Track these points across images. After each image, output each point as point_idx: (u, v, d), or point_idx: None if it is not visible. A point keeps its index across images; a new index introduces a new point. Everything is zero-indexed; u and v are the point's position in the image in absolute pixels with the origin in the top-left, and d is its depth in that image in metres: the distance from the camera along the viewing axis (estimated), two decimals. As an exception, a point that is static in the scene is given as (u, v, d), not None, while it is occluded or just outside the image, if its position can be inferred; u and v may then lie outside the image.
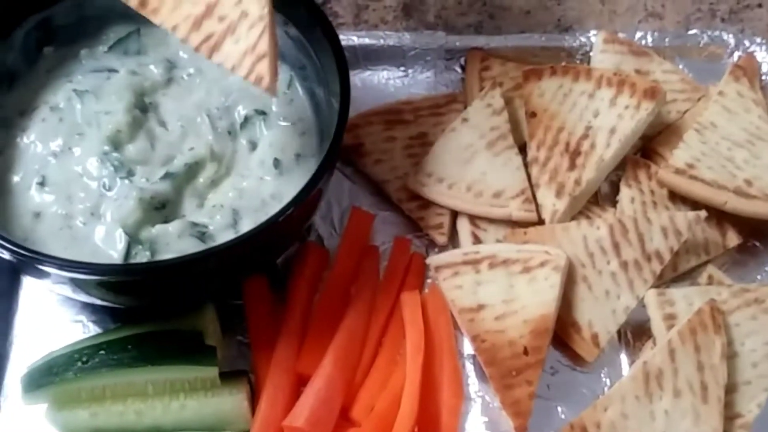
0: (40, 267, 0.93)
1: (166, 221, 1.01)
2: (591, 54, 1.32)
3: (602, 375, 1.09)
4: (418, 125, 1.24)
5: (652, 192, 1.18)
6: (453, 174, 1.17)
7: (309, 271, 1.11)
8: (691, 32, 1.37)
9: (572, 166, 1.16)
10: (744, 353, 1.06)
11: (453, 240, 1.18)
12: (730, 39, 1.35)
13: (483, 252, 1.10)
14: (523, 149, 1.21)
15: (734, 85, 1.24)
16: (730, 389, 1.04)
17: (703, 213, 1.13)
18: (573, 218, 1.17)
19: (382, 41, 1.32)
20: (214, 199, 1.05)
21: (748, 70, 1.28)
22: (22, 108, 1.10)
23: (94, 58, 1.14)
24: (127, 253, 0.99)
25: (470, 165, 1.18)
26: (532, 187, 1.17)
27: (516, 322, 1.05)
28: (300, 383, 1.03)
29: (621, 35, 1.32)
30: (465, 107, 1.25)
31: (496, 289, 1.07)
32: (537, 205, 1.16)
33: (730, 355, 1.05)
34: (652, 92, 1.17)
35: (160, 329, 1.02)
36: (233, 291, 1.09)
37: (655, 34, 1.36)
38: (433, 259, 1.12)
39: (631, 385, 1.01)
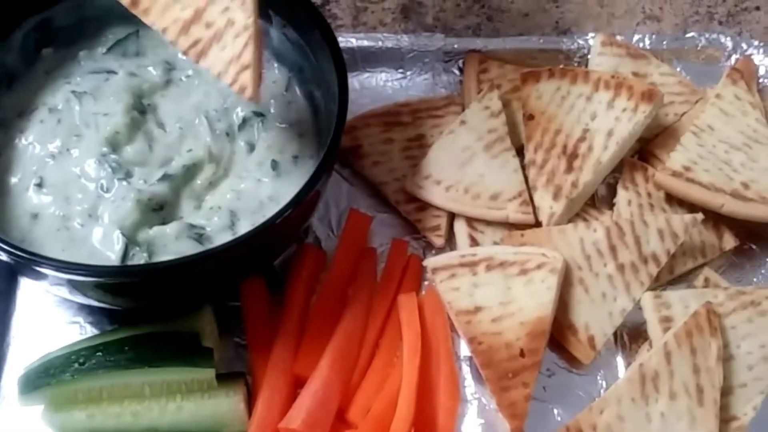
0: (38, 268, 0.93)
1: (163, 223, 1.01)
2: (589, 56, 1.32)
3: (598, 377, 1.09)
4: (416, 127, 1.24)
5: (649, 194, 1.18)
6: (450, 176, 1.17)
7: (306, 272, 1.11)
8: (688, 35, 1.37)
9: (569, 168, 1.16)
10: (740, 356, 1.07)
11: (450, 242, 1.18)
12: (728, 42, 1.36)
13: (480, 254, 1.10)
14: (520, 151, 1.21)
15: (731, 88, 1.24)
16: (726, 392, 1.04)
17: (699, 216, 1.13)
18: (570, 221, 1.17)
19: (380, 43, 1.32)
20: (211, 200, 1.05)
21: (745, 73, 1.28)
22: (20, 109, 1.10)
23: (93, 60, 1.14)
24: (125, 255, 0.99)
25: (468, 167, 1.18)
26: (529, 189, 1.17)
27: (513, 324, 1.05)
28: (297, 385, 1.03)
29: (619, 38, 1.32)
30: (463, 109, 1.25)
31: (493, 291, 1.07)
32: (534, 207, 1.16)
33: (726, 358, 1.05)
34: (650, 95, 1.17)
35: (157, 331, 1.02)
36: (231, 292, 1.09)
37: (653, 36, 1.36)
38: (431, 261, 1.12)
39: (627, 387, 1.02)
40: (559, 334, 1.09)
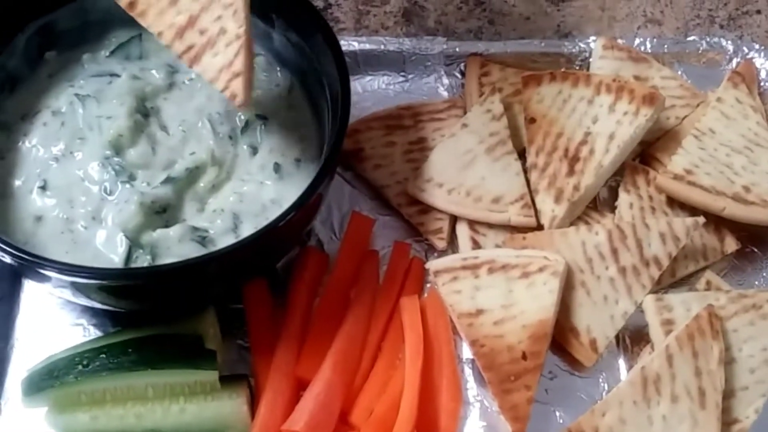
0: (41, 271, 0.93)
1: (166, 225, 1.02)
2: (590, 60, 1.33)
3: (600, 380, 1.09)
4: (417, 130, 1.24)
5: (651, 198, 1.19)
6: (452, 179, 1.18)
7: (309, 275, 1.11)
8: (689, 38, 1.38)
9: (571, 171, 1.16)
10: (742, 359, 1.07)
11: (452, 245, 1.19)
12: (729, 45, 1.36)
13: (482, 257, 1.11)
14: (522, 155, 1.22)
15: (733, 91, 1.24)
16: (728, 395, 1.04)
17: (701, 219, 1.13)
18: (572, 224, 1.17)
19: (382, 47, 1.33)
20: (214, 203, 1.05)
21: (746, 76, 1.28)
22: (23, 112, 1.11)
23: (96, 63, 1.14)
24: (128, 258, 0.99)
25: (469, 170, 1.18)
26: (531, 192, 1.18)
27: (515, 327, 1.05)
28: (300, 387, 1.03)
29: (620, 41, 1.32)
30: (464, 113, 1.26)
31: (494, 294, 1.08)
32: (536, 210, 1.17)
33: (728, 361, 1.06)
34: (651, 98, 1.17)
35: (161, 333, 1.02)
36: (233, 295, 1.09)
37: (654, 40, 1.36)
38: (433, 264, 1.12)
39: (629, 390, 1.02)
40: (561, 336, 1.09)
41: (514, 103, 1.26)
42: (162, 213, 1.02)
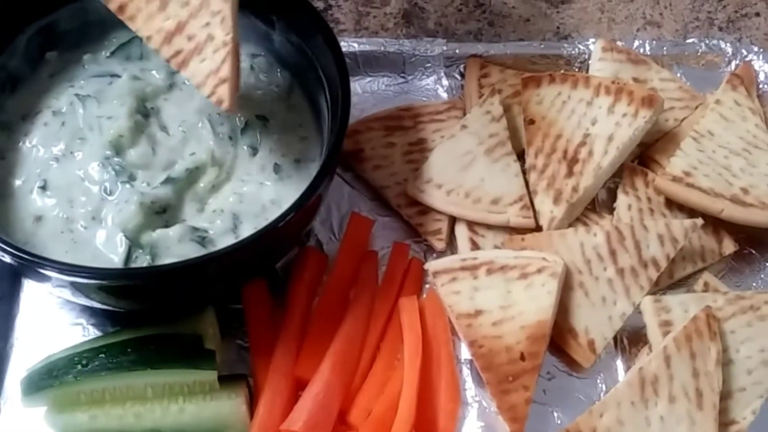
0: (41, 270, 0.94)
1: (166, 226, 1.02)
2: (589, 62, 1.33)
3: (598, 381, 1.10)
4: (417, 131, 1.24)
5: (649, 199, 1.19)
6: (452, 180, 1.18)
7: (308, 275, 1.11)
8: (689, 41, 1.38)
9: (570, 173, 1.17)
10: (739, 360, 1.07)
11: (451, 246, 1.19)
12: (728, 48, 1.36)
13: (481, 258, 1.11)
14: (521, 156, 1.22)
15: (731, 93, 1.25)
16: (725, 396, 1.05)
17: (699, 221, 1.13)
18: (570, 225, 1.18)
19: (382, 48, 1.33)
20: (214, 203, 1.05)
21: (745, 78, 1.28)
22: (24, 112, 1.11)
23: (97, 63, 1.15)
24: (128, 257, 0.99)
25: (469, 171, 1.18)
26: (530, 193, 1.18)
27: (513, 327, 1.06)
28: (298, 387, 1.04)
29: (619, 43, 1.33)
30: (464, 114, 1.26)
31: (493, 294, 1.08)
32: (535, 211, 1.17)
33: (726, 362, 1.06)
34: (650, 100, 1.18)
35: (160, 333, 1.03)
36: (233, 295, 1.09)
37: (653, 42, 1.37)
38: (432, 265, 1.12)
39: (626, 390, 1.02)
40: (559, 337, 1.09)
41: (514, 105, 1.27)
42: (162, 213, 1.03)
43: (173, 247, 1.00)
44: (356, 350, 1.07)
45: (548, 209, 1.16)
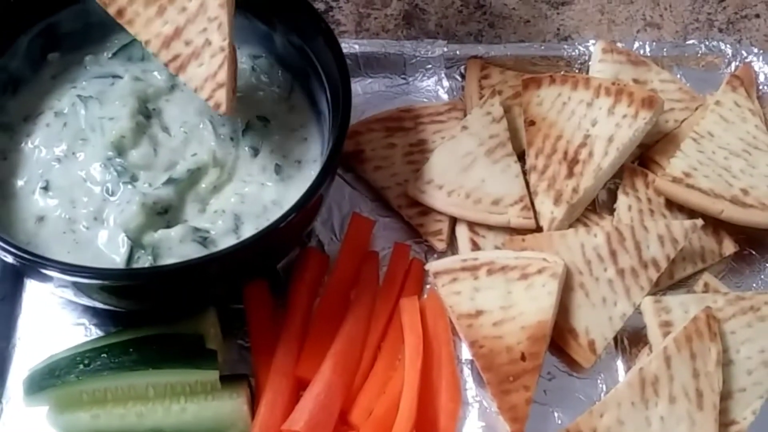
0: (43, 271, 0.94)
1: (168, 226, 1.02)
2: (589, 63, 1.33)
3: (599, 381, 1.10)
4: (418, 132, 1.25)
5: (649, 200, 1.19)
6: (452, 181, 1.18)
7: (309, 276, 1.12)
8: (689, 42, 1.39)
9: (570, 174, 1.17)
10: (739, 361, 1.07)
11: (452, 246, 1.19)
12: (728, 49, 1.37)
13: (481, 258, 1.11)
14: (522, 157, 1.22)
15: (731, 94, 1.25)
16: (725, 396, 1.05)
17: (699, 221, 1.14)
18: (571, 226, 1.18)
19: (383, 49, 1.33)
20: (216, 204, 1.06)
21: (745, 79, 1.29)
22: (26, 113, 1.11)
23: (99, 65, 1.15)
24: (130, 258, 1.00)
25: (469, 172, 1.19)
26: (530, 194, 1.18)
27: (514, 328, 1.06)
28: (300, 387, 1.04)
29: (619, 45, 1.33)
30: (465, 115, 1.26)
31: (494, 295, 1.08)
32: (535, 212, 1.17)
33: (726, 363, 1.06)
34: (650, 101, 1.18)
35: (162, 333, 1.03)
36: (234, 295, 1.09)
37: (654, 43, 1.37)
38: (432, 265, 1.13)
39: (627, 391, 1.02)
40: (559, 338, 1.09)
41: (514, 106, 1.27)
42: (163, 214, 1.03)
43: (175, 247, 1.00)
44: (357, 350, 1.07)
45: (549, 210, 1.16)
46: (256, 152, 1.10)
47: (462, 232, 1.18)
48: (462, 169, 1.19)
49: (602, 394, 1.09)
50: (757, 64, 1.35)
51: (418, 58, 1.33)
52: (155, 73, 1.14)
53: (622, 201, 1.19)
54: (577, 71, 1.35)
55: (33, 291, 1.12)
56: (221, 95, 0.99)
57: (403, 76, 1.33)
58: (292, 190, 1.06)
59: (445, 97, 1.31)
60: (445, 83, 1.32)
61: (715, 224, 1.18)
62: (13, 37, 1.12)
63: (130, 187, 1.04)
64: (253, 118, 1.12)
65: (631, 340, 1.12)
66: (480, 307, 1.08)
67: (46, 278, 0.97)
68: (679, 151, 1.20)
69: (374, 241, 1.18)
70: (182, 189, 1.05)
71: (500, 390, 1.03)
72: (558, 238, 1.13)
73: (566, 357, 1.10)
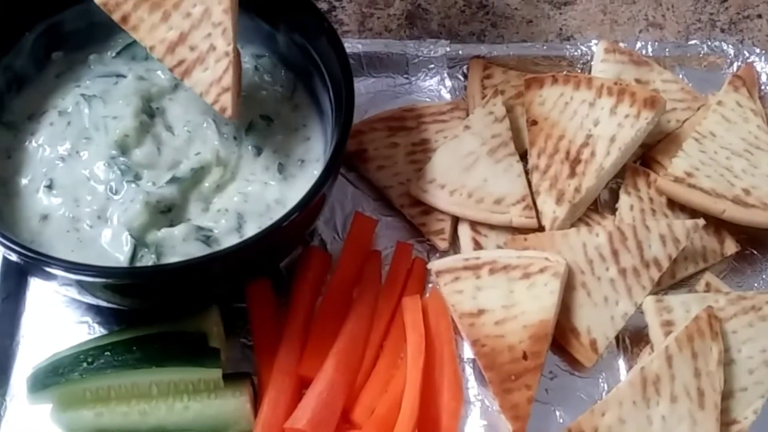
0: (47, 269, 0.94)
1: (171, 225, 1.02)
2: (592, 63, 1.33)
3: (600, 380, 1.10)
4: (420, 132, 1.25)
5: (651, 200, 1.19)
6: (455, 180, 1.18)
7: (312, 275, 1.12)
8: (691, 42, 1.39)
9: (572, 173, 1.17)
10: (741, 360, 1.07)
11: (454, 245, 1.19)
12: (730, 49, 1.37)
13: (483, 258, 1.11)
14: (524, 157, 1.23)
15: (733, 94, 1.25)
16: (727, 396, 1.05)
17: (701, 221, 1.14)
18: (573, 225, 1.18)
19: (386, 49, 1.34)
20: (219, 203, 1.06)
21: (747, 80, 1.29)
22: (30, 112, 1.12)
23: (103, 64, 1.16)
24: (133, 256, 1.00)
25: (472, 172, 1.19)
26: (532, 193, 1.18)
27: (515, 327, 1.06)
28: (302, 386, 1.04)
29: (622, 45, 1.33)
30: (467, 115, 1.27)
31: (496, 294, 1.08)
32: (537, 211, 1.17)
33: (727, 362, 1.06)
34: (652, 101, 1.18)
35: (165, 331, 1.03)
36: (237, 294, 1.10)
37: (656, 44, 1.37)
38: (435, 264, 1.13)
39: (628, 390, 1.02)
40: (561, 337, 1.10)
41: (516, 106, 1.27)
42: (167, 212, 1.03)
43: (178, 246, 1.00)
44: (360, 349, 1.07)
45: (551, 209, 1.17)
46: (259, 151, 1.10)
47: (464, 232, 1.18)
48: (464, 169, 1.19)
49: (604, 393, 1.09)
50: (759, 65, 1.35)
51: (421, 58, 1.33)
52: (159, 72, 1.14)
53: (624, 200, 1.19)
54: (579, 71, 1.35)
55: (36, 289, 1.12)
56: (227, 99, 1.00)
57: (405, 75, 1.33)
58: (294, 189, 1.07)
59: (447, 96, 1.32)
60: (448, 83, 1.33)
61: (717, 224, 1.18)
62: (18, 35, 1.12)
63: (133, 185, 1.04)
64: (256, 117, 1.12)
65: (632, 339, 1.13)
66: (482, 306, 1.08)
67: (50, 276, 0.98)
68: (681, 151, 1.20)
69: (377, 241, 1.19)
70: (185, 188, 1.05)
71: (502, 389, 1.04)
72: (560, 237, 1.13)
73: (568, 356, 1.10)
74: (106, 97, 1.10)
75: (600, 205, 1.23)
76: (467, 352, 1.10)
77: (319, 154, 1.12)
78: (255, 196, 1.06)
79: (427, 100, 1.31)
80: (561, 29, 1.44)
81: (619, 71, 1.28)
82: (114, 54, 1.17)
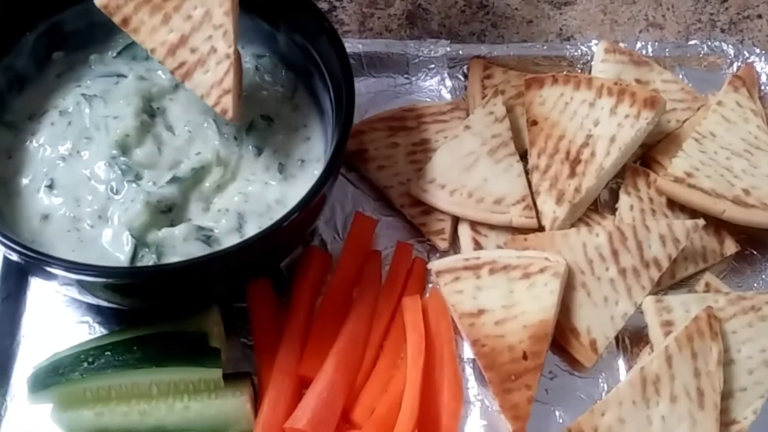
0: (48, 269, 0.94)
1: (172, 225, 1.03)
2: (592, 63, 1.33)
3: (600, 380, 1.10)
4: (421, 132, 1.25)
5: (651, 200, 1.19)
6: (455, 180, 1.19)
7: (312, 275, 1.12)
8: (691, 42, 1.39)
9: (572, 173, 1.17)
10: (740, 360, 1.07)
11: (454, 245, 1.20)
12: (730, 49, 1.37)
13: (483, 258, 1.11)
14: (524, 157, 1.23)
15: (733, 95, 1.25)
16: (727, 396, 1.05)
17: (701, 221, 1.14)
18: (573, 225, 1.18)
19: (386, 49, 1.34)
20: (219, 203, 1.06)
21: (747, 80, 1.29)
22: (31, 112, 1.12)
23: (103, 64, 1.16)
24: (134, 256, 1.00)
25: (472, 172, 1.19)
26: (532, 194, 1.19)
27: (515, 327, 1.06)
28: (302, 385, 1.04)
29: (622, 45, 1.33)
30: (467, 115, 1.27)
31: (496, 294, 1.08)
32: (537, 211, 1.18)
33: (727, 362, 1.06)
34: (652, 102, 1.18)
35: (165, 331, 1.03)
36: (238, 294, 1.10)
37: (656, 44, 1.37)
38: (435, 264, 1.13)
39: (628, 390, 1.03)
40: (561, 337, 1.10)
41: (517, 106, 1.27)
42: (167, 212, 1.03)
43: (179, 246, 1.01)
44: (360, 349, 1.07)
45: (551, 209, 1.17)
46: (259, 151, 1.10)
47: (464, 232, 1.18)
48: (464, 169, 1.19)
49: (603, 393, 1.09)
50: (759, 65, 1.35)
51: (421, 58, 1.34)
52: (159, 72, 1.14)
53: (624, 201, 1.19)
54: (579, 71, 1.35)
55: (37, 289, 1.12)
56: (228, 101, 1.00)
57: (406, 75, 1.34)
58: (295, 189, 1.07)
59: (447, 96, 1.32)
60: (448, 83, 1.33)
61: (717, 224, 1.18)
62: (19, 35, 1.12)
63: (134, 185, 1.04)
64: (256, 117, 1.12)
65: (632, 339, 1.13)
66: (482, 306, 1.08)
67: (51, 276, 0.98)
68: (681, 151, 1.20)
69: (377, 240, 1.19)
70: (186, 188, 1.05)
71: (502, 389, 1.04)
72: (560, 237, 1.13)
73: (568, 356, 1.11)
74: (106, 97, 1.10)
75: (600, 205, 1.23)
76: (467, 352, 1.10)
77: (319, 154, 1.12)
78: (255, 196, 1.06)
79: (428, 100, 1.31)
80: (561, 29, 1.44)
81: (619, 71, 1.28)
82: (115, 54, 1.17)
